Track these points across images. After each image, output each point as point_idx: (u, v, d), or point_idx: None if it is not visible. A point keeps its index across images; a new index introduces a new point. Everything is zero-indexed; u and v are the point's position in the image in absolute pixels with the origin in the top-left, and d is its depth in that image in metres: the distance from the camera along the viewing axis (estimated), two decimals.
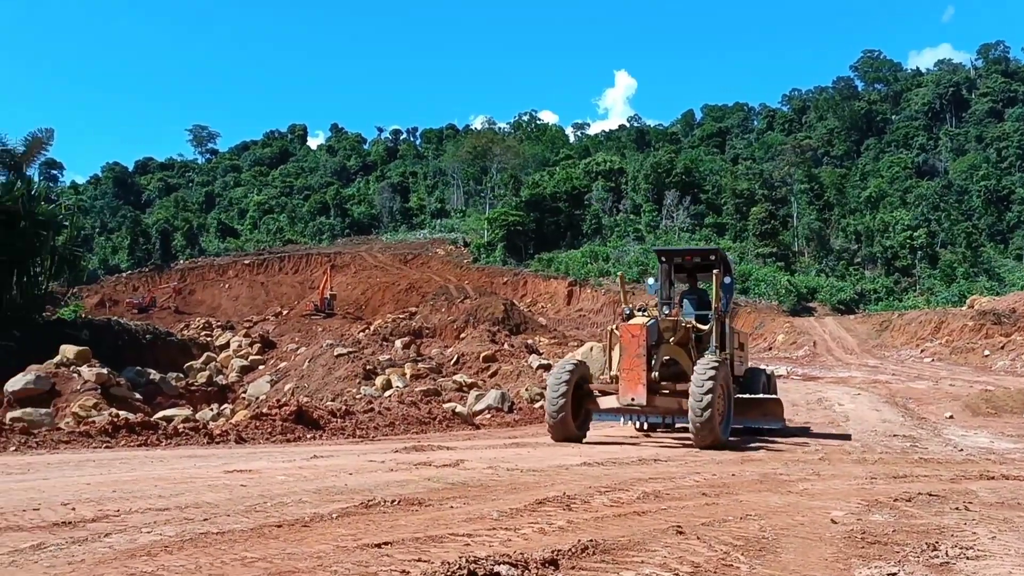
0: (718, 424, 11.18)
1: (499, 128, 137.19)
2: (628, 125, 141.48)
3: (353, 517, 4.88)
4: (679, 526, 4.89)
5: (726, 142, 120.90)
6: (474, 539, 4.32)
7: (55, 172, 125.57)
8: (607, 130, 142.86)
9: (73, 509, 4.80)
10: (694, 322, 13.13)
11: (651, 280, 14.65)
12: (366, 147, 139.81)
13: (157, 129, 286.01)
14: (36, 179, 39.76)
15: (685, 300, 14.26)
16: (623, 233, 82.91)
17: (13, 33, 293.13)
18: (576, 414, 12.47)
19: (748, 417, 13.14)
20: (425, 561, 3.75)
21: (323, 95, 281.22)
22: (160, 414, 20.64)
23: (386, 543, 4.10)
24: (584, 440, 12.48)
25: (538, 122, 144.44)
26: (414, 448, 9.89)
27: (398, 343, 33.14)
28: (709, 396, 10.93)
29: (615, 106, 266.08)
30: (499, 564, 3.61)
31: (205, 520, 4.61)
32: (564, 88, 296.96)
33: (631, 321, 12.25)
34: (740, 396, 12.82)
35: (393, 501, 5.38)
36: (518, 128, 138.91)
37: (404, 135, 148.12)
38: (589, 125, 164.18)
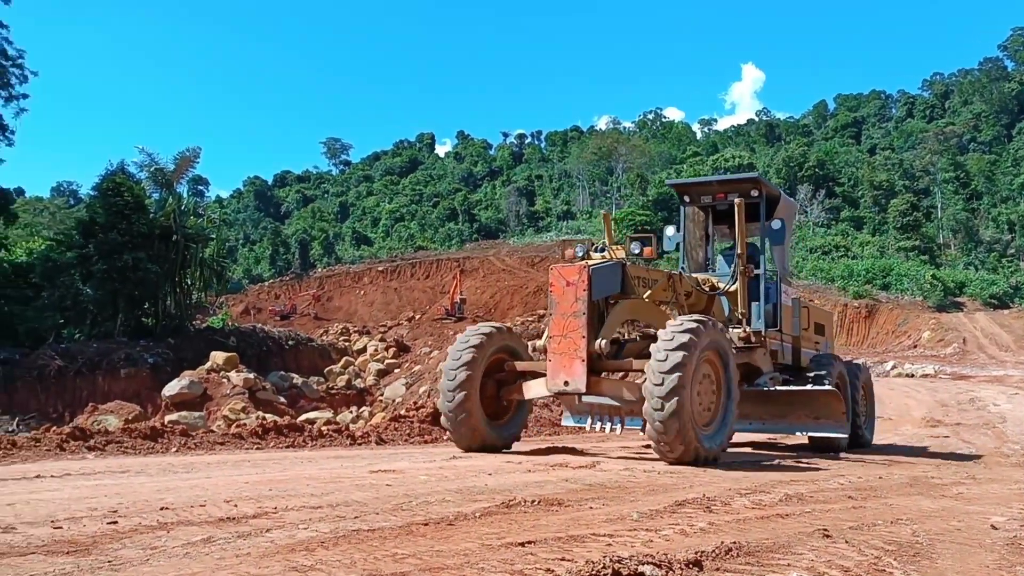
0: (696, 426, 7.74)
1: (624, 128, 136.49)
2: (757, 119, 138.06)
3: (495, 516, 4.96)
4: (825, 529, 4.77)
5: (862, 132, 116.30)
6: (615, 539, 4.34)
7: (201, 188, 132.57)
8: (735, 125, 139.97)
9: (235, 506, 5.09)
10: (719, 282, 10.54)
11: (670, 230, 11.31)
12: (492, 152, 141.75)
13: (294, 143, 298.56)
14: (185, 195, 42.07)
15: (720, 258, 12.08)
16: None
17: (163, 56, 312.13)
18: (496, 408, 9.48)
19: (789, 420, 10.34)
20: (569, 560, 3.80)
21: (449, 103, 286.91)
22: (303, 416, 21.56)
23: (529, 542, 4.17)
24: (512, 449, 9.62)
25: (663, 120, 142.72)
26: (550, 449, 9.98)
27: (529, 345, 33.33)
28: (675, 377, 7.45)
29: (742, 100, 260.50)
30: (643, 564, 3.62)
31: (356, 518, 4.79)
32: (689, 84, 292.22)
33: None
34: (779, 388, 10.39)
35: (533, 501, 5.45)
36: (643, 127, 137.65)
37: (529, 139, 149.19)
38: (716, 121, 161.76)
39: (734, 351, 8.86)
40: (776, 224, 11.45)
